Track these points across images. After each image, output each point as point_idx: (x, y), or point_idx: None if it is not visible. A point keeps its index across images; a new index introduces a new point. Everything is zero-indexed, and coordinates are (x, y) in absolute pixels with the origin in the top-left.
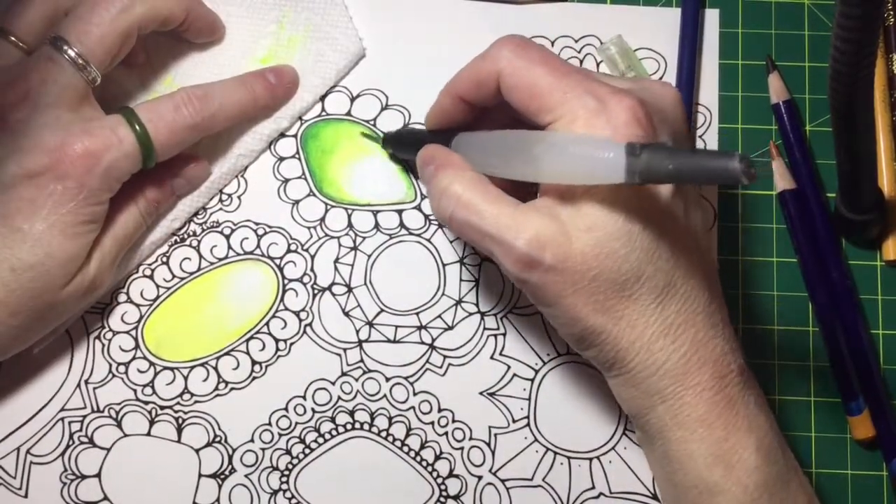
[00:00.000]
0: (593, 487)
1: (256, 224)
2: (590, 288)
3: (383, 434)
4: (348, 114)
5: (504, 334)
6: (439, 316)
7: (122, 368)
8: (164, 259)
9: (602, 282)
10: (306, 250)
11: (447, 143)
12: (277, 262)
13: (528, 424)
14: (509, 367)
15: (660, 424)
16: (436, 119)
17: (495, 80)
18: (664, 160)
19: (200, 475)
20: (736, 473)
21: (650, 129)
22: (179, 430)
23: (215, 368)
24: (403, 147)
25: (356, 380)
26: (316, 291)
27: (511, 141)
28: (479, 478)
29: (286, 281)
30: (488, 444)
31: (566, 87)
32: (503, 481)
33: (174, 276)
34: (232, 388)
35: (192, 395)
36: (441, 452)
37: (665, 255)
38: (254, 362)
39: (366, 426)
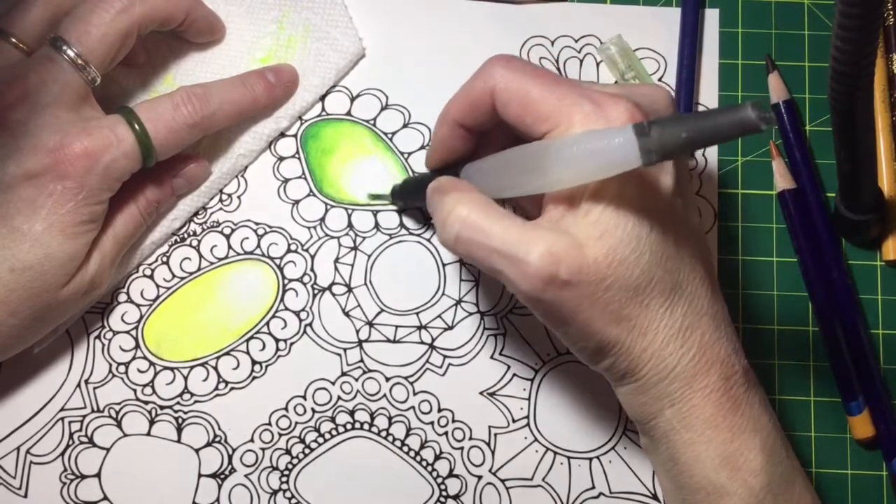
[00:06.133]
0: (593, 487)
1: (256, 224)
2: (604, 299)
3: (383, 434)
4: (348, 114)
5: (504, 334)
6: (439, 316)
7: (122, 368)
8: (164, 259)
9: (616, 290)
10: (306, 250)
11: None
12: (277, 261)
13: (527, 424)
14: (509, 367)
15: (667, 428)
16: (436, 153)
17: (490, 98)
18: (676, 130)
19: (200, 475)
20: (742, 475)
21: None
22: (179, 429)
23: (215, 368)
24: (412, 195)
25: (356, 380)
26: (316, 291)
27: (517, 157)
28: (479, 478)
29: (286, 281)
30: (488, 444)
31: (560, 95)
32: (503, 481)
33: (174, 276)
34: (232, 388)
35: (192, 394)
36: (441, 452)
37: (671, 255)
38: (254, 362)
39: (366, 426)
